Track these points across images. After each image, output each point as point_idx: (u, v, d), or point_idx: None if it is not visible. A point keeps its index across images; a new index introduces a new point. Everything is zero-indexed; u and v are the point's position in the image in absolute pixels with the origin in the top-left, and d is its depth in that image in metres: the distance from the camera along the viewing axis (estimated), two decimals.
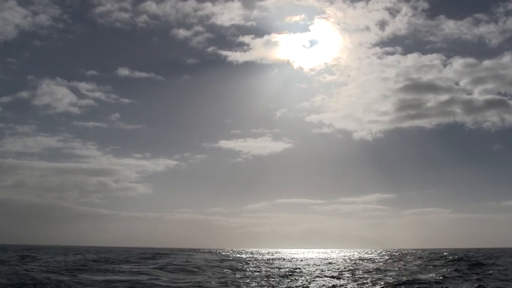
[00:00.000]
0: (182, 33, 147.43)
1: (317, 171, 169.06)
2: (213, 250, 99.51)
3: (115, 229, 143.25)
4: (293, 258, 49.31)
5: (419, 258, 42.51)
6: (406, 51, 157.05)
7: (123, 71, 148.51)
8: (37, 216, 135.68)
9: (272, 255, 61.93)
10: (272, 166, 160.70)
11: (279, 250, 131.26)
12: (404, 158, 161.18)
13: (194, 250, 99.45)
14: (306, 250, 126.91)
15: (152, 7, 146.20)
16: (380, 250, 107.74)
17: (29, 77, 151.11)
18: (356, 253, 78.32)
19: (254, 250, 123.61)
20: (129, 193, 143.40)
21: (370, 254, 66.45)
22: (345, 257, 50.36)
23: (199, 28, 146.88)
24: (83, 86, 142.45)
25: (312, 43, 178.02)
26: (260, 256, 52.67)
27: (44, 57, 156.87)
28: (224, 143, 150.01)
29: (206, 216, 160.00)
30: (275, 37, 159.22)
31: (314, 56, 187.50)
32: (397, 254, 62.46)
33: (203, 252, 74.22)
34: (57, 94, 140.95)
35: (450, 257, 39.55)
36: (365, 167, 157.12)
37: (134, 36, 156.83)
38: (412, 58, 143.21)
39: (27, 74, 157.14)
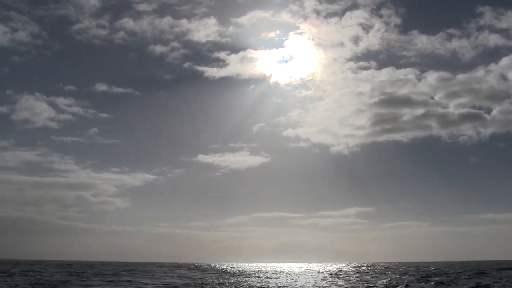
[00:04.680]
0: (158, 49, 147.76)
1: (295, 185, 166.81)
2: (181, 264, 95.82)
3: (93, 243, 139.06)
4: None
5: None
6: (380, 65, 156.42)
7: (101, 87, 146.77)
8: (15, 230, 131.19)
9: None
10: (250, 180, 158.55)
11: (256, 264, 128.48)
12: (381, 172, 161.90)
13: (174, 265, 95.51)
14: (281, 265, 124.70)
15: (129, 24, 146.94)
16: (354, 264, 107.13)
17: (8, 92, 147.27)
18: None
19: (230, 264, 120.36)
20: (107, 207, 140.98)
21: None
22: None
23: (175, 44, 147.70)
24: (61, 101, 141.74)
25: (288, 58, 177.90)
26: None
27: (23, 72, 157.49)
28: (202, 158, 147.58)
29: (184, 230, 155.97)
30: (251, 53, 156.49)
31: (290, 71, 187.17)
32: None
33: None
34: (36, 109, 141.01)
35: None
36: (343, 181, 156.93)
37: (111, 52, 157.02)
38: (386, 73, 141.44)
39: (6, 89, 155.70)
